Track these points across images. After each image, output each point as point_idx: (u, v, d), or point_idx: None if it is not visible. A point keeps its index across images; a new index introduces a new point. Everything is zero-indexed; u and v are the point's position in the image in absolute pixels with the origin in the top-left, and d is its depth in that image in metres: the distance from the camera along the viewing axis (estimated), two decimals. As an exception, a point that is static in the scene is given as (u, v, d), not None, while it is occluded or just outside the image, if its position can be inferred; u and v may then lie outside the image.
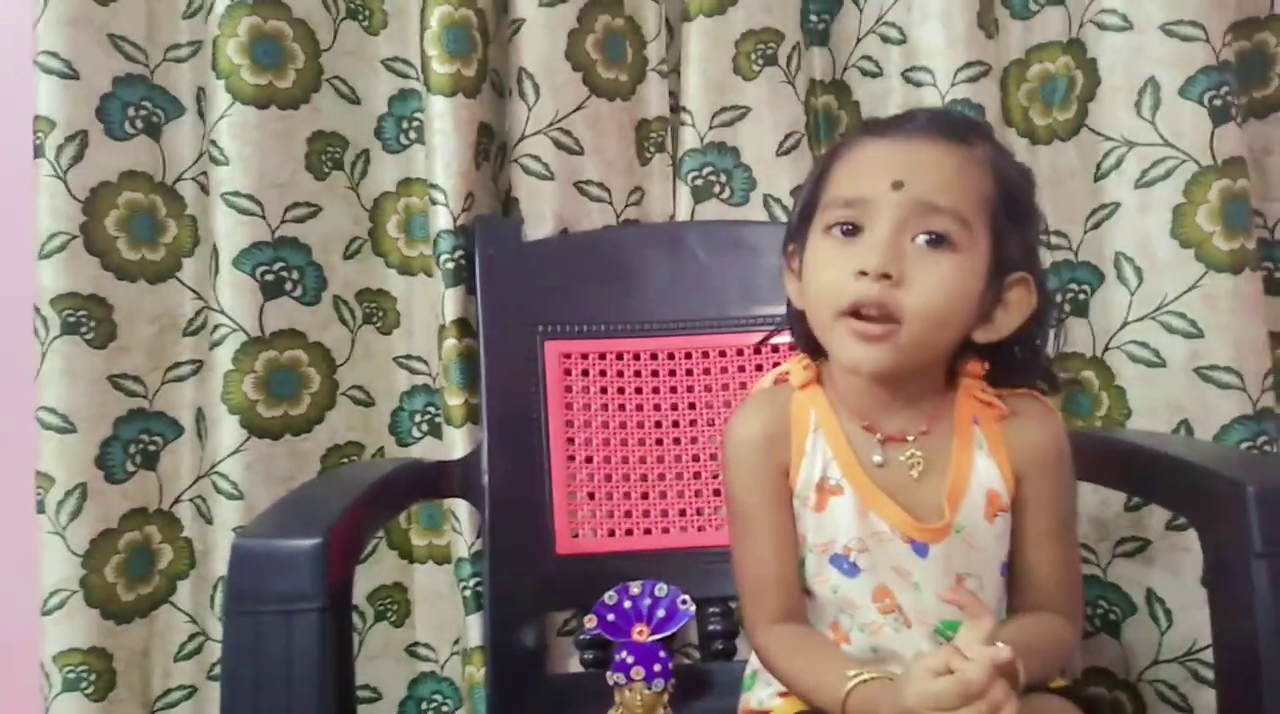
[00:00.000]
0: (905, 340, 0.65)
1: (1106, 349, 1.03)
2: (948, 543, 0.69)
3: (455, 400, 1.02)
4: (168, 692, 1.07)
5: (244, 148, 1.02)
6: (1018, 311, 0.69)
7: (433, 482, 0.98)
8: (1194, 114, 0.97)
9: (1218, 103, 0.96)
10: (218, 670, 1.03)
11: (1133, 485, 0.86)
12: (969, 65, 1.03)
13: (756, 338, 1.00)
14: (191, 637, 1.07)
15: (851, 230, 0.67)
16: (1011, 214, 0.69)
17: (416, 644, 1.15)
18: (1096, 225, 1.04)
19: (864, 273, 0.65)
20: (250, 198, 1.03)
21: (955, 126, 0.70)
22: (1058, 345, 0.74)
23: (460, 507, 1.02)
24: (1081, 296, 1.05)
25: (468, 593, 1.02)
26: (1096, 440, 0.85)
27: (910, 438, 0.71)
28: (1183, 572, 0.99)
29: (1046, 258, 0.78)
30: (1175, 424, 0.99)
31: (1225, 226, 0.96)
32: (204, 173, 1.06)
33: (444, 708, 1.15)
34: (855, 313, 0.65)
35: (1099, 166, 1.03)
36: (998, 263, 0.68)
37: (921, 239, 0.65)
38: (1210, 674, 0.98)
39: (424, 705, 1.15)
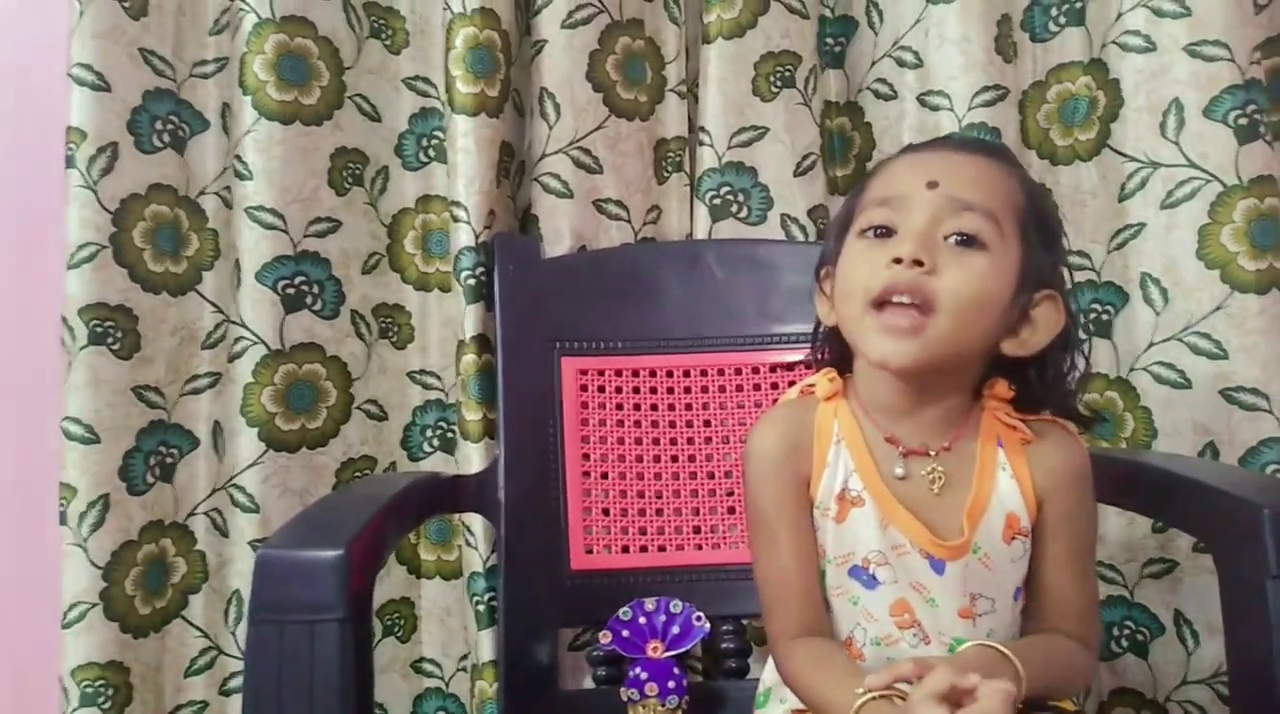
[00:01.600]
0: (935, 334, 0.66)
1: (1131, 370, 1.04)
2: (964, 562, 0.69)
3: (473, 415, 1.04)
4: (178, 708, 1.08)
5: (269, 162, 1.05)
6: (1045, 329, 0.70)
7: (450, 496, 1.00)
8: (1220, 134, 0.98)
9: (1244, 121, 0.97)
10: (230, 685, 1.05)
11: (1151, 509, 0.87)
12: (986, 89, 1.05)
13: (773, 356, 1.02)
14: (203, 651, 1.09)
15: (885, 232, 0.69)
16: (1041, 229, 0.71)
17: (422, 660, 1.16)
18: (1121, 246, 1.04)
19: (897, 261, 0.66)
20: (273, 212, 1.06)
21: (988, 146, 0.76)
22: (1083, 371, 0.75)
23: (475, 521, 1.04)
24: (1105, 317, 1.06)
25: (481, 608, 1.03)
26: (1116, 463, 0.85)
27: (932, 452, 0.72)
28: (1209, 594, 0.98)
29: (1068, 279, 0.79)
30: (1201, 446, 0.99)
31: (1251, 246, 0.97)
32: (226, 187, 1.09)
33: (449, 724, 1.16)
34: (885, 302, 0.67)
35: (1123, 187, 1.04)
36: (1026, 271, 0.69)
37: (953, 239, 0.67)
38: (1236, 701, 0.98)
39: (429, 722, 1.16)
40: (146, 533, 1.06)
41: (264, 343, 1.06)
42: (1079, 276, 1.07)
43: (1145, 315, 1.03)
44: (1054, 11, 1.09)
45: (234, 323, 1.06)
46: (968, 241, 0.67)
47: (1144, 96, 1.02)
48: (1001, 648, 0.62)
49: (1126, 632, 1.05)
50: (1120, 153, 1.04)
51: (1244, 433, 0.98)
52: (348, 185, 1.12)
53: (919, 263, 0.66)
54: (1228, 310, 0.98)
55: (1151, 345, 1.02)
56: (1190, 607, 1.01)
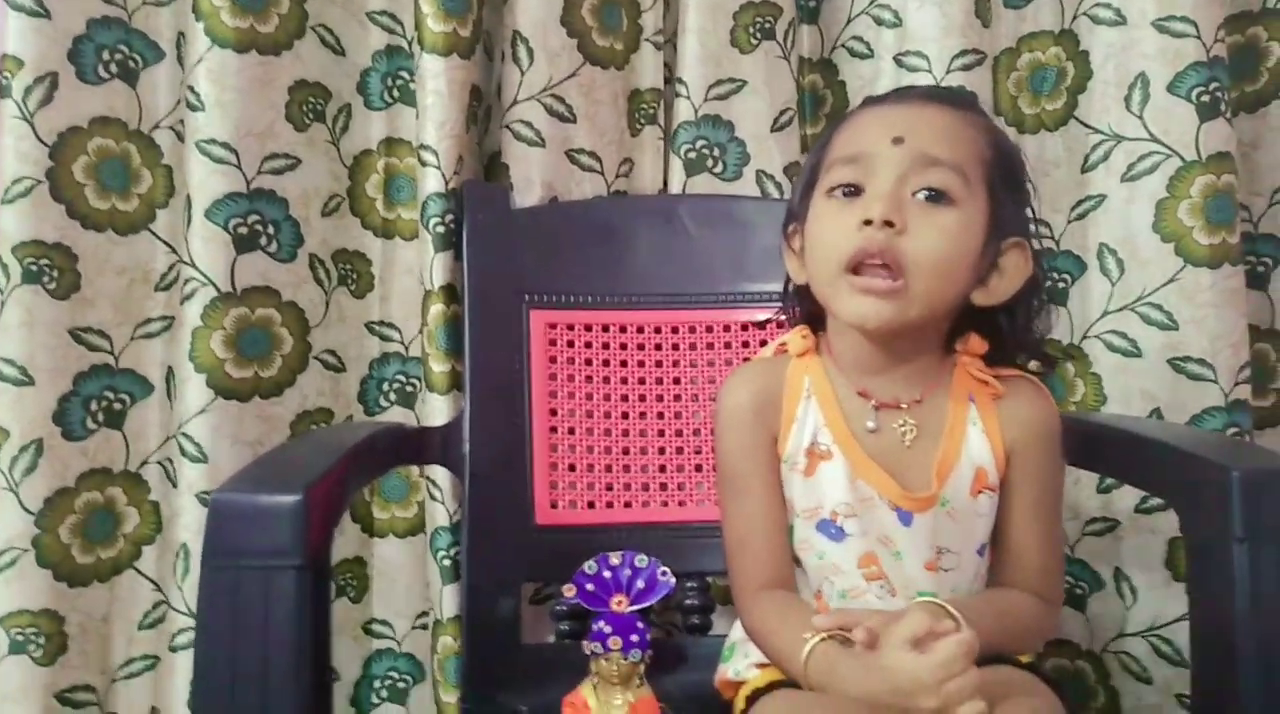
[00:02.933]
0: (909, 295, 0.68)
1: (1085, 338, 1.08)
2: (932, 514, 0.72)
3: (439, 367, 1.03)
4: (130, 660, 1.06)
5: (222, 93, 1.01)
6: (1014, 276, 0.72)
7: (414, 447, 0.99)
8: (1182, 110, 1.02)
9: (1206, 98, 1.01)
10: (179, 641, 1.03)
11: (1115, 468, 0.91)
12: (964, 53, 1.07)
13: (744, 314, 1.04)
14: (156, 605, 1.07)
15: (853, 191, 0.70)
16: (1007, 179, 0.73)
17: (373, 621, 1.16)
18: (1081, 216, 1.08)
19: (868, 222, 0.67)
20: (225, 146, 1.02)
21: (953, 96, 0.75)
22: (1050, 321, 0.78)
23: (441, 476, 1.04)
24: (1062, 285, 1.10)
25: (446, 563, 1.03)
26: (1082, 424, 0.89)
27: (904, 405, 0.74)
28: (1149, 553, 1.05)
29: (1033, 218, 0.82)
30: (1148, 412, 1.05)
31: (1207, 221, 1.01)
32: (181, 121, 1.05)
33: (400, 685, 1.16)
34: (858, 267, 0.68)
35: (1086, 158, 1.07)
36: (994, 223, 0.71)
37: (922, 195, 0.69)
38: (1169, 649, 1.05)
39: (378, 684, 1.16)
40: (87, 481, 1.03)
41: (214, 285, 1.02)
42: (1039, 245, 1.10)
43: (1101, 285, 1.07)
44: (1029, -21, 1.11)
45: (185, 263, 1.03)
46: (936, 197, 0.69)
47: (1112, 69, 1.06)
48: (947, 605, 0.64)
49: (1066, 586, 1.10)
50: (1085, 124, 1.08)
51: (1189, 401, 1.03)
52: (308, 121, 1.08)
53: (889, 224, 0.67)
54: (1180, 283, 1.03)
55: (1105, 314, 1.07)
56: (1130, 564, 1.07)
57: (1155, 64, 1.03)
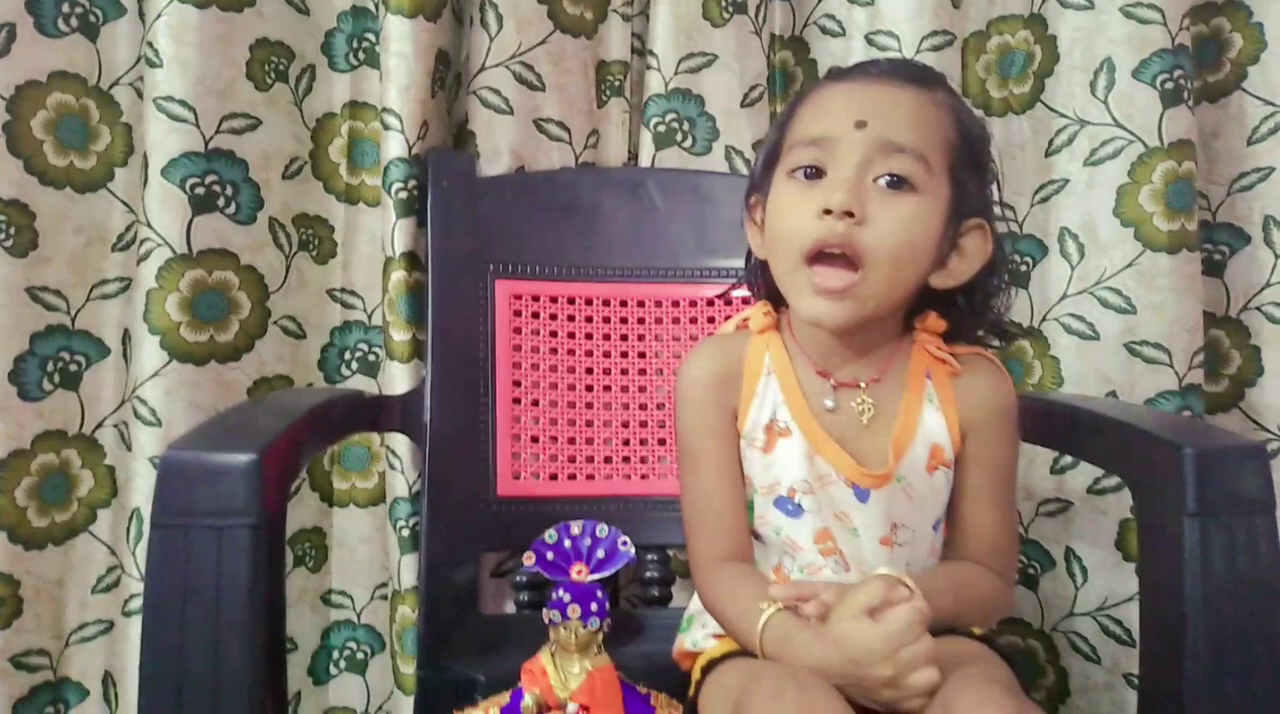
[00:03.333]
0: (867, 291, 0.68)
1: (1044, 320, 1.10)
2: (888, 491, 0.73)
3: (401, 335, 1.02)
4: (83, 625, 1.05)
5: (181, 49, 0.99)
6: (974, 258, 0.73)
7: (373, 414, 0.98)
8: (1146, 96, 1.03)
9: (1170, 85, 1.02)
10: (133, 606, 1.02)
11: (1071, 446, 0.92)
12: (935, 34, 1.07)
13: (710, 289, 1.04)
14: (110, 569, 1.06)
15: (814, 173, 0.70)
16: (971, 161, 0.73)
17: (331, 592, 1.15)
18: (1044, 200, 1.09)
19: (828, 212, 0.67)
20: (183, 104, 0.99)
21: (917, 72, 0.74)
22: (1010, 299, 0.78)
23: (401, 445, 1.03)
24: (1024, 268, 1.11)
25: (405, 533, 1.03)
26: (1039, 402, 0.90)
27: (862, 385, 0.74)
28: (1100, 534, 1.07)
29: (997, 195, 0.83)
30: (1104, 395, 1.06)
31: (1167, 207, 1.03)
32: (141, 78, 1.02)
33: (359, 656, 1.16)
34: (817, 257, 0.68)
35: (1051, 142, 1.08)
36: (956, 207, 0.71)
37: (883, 181, 0.68)
38: (1118, 629, 1.07)
39: (336, 654, 1.15)
40: (43, 442, 1.01)
41: (169, 246, 1.00)
42: (1002, 227, 1.11)
43: (1061, 269, 1.09)
44: (999, -38, 1.12)
45: (142, 224, 1.01)
46: (898, 183, 0.68)
47: (1079, 54, 1.06)
48: (902, 577, 0.64)
49: (1019, 565, 1.12)
50: (1051, 108, 1.08)
51: (1144, 385, 1.05)
52: (269, 80, 1.06)
53: (849, 214, 0.67)
54: (1139, 268, 1.04)
55: (1065, 297, 1.08)
56: (1081, 544, 1.09)
57: (1121, 49, 1.04)
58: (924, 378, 0.75)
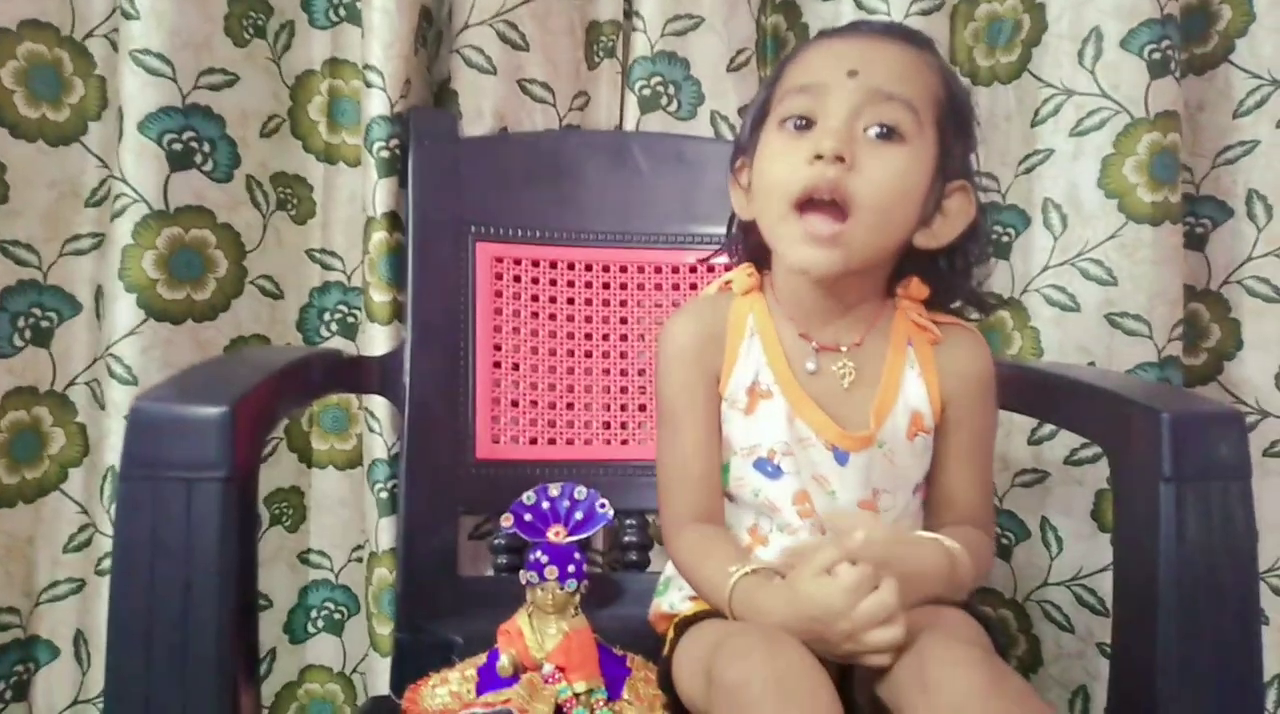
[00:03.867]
0: (854, 238, 0.68)
1: (1024, 291, 1.10)
2: (868, 455, 0.73)
3: (381, 296, 1.01)
4: (54, 583, 1.04)
5: (157, 2, 0.97)
6: (957, 219, 0.73)
7: (351, 375, 0.97)
8: (1133, 66, 1.02)
9: (1157, 56, 1.02)
10: (105, 565, 1.01)
11: (1049, 413, 0.92)
12: (923, -1, 1.06)
13: (693, 256, 1.03)
14: (82, 528, 1.05)
15: (804, 124, 0.70)
16: (956, 121, 0.73)
17: (310, 551, 1.15)
18: (1028, 170, 1.09)
19: (819, 157, 0.67)
20: (160, 57, 0.98)
21: (907, 33, 0.75)
22: (990, 268, 0.79)
23: (380, 407, 1.02)
24: (1006, 239, 1.11)
25: (384, 495, 1.02)
26: (1017, 369, 0.90)
27: (844, 348, 0.75)
28: (1076, 504, 1.08)
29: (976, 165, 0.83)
30: (1084, 365, 1.06)
31: (1150, 179, 1.03)
32: (116, 30, 1.00)
33: (336, 616, 1.15)
34: (807, 205, 0.68)
35: (1037, 112, 1.08)
36: (941, 165, 0.71)
37: (873, 132, 0.69)
38: (1092, 599, 1.08)
39: (314, 614, 1.15)
40: (15, 399, 1.00)
41: (145, 202, 0.99)
42: (985, 197, 1.11)
43: (1044, 239, 1.08)
44: (989, -71, 1.11)
45: (116, 178, 0.99)
46: (887, 134, 0.69)
47: (1066, 23, 1.06)
48: (947, 542, 0.66)
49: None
50: (1038, 78, 1.08)
51: (1122, 356, 1.05)
52: (248, 36, 1.04)
53: (840, 159, 0.67)
54: (1121, 239, 1.04)
55: (1046, 268, 1.08)
56: (1056, 515, 1.10)
57: (1109, 19, 1.03)
58: (905, 344, 0.75)
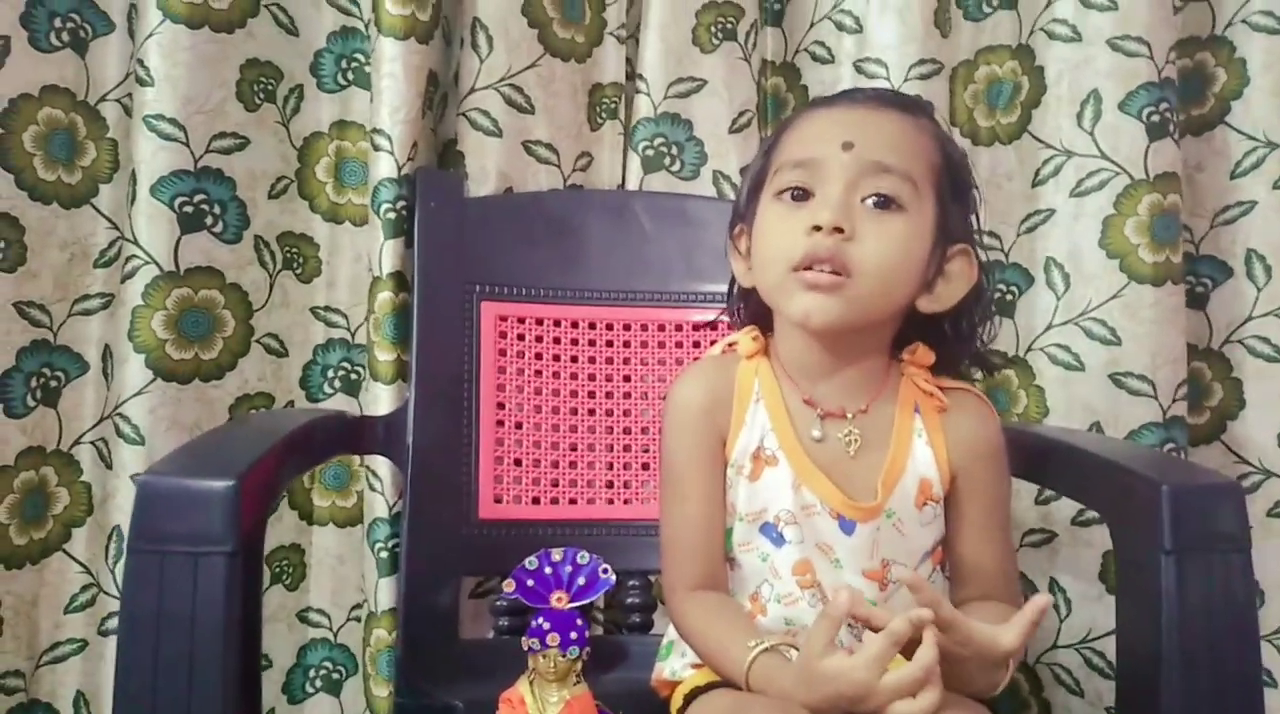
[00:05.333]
0: (855, 293, 0.69)
1: (1029, 350, 1.11)
2: (876, 524, 0.73)
3: (386, 356, 1.02)
4: (55, 645, 1.05)
5: (172, 69, 1.00)
6: (959, 283, 0.74)
7: (355, 436, 0.98)
8: (1132, 128, 1.05)
9: (1156, 118, 1.04)
10: (110, 625, 1.03)
11: (1050, 480, 0.93)
12: (922, 62, 1.09)
13: (696, 314, 1.05)
14: (84, 588, 1.06)
15: (802, 195, 0.71)
16: (955, 187, 0.74)
17: (309, 609, 1.15)
18: (1030, 229, 1.11)
19: (817, 228, 0.68)
20: (174, 122, 1.01)
21: (903, 100, 0.76)
22: (994, 328, 0.79)
23: (382, 466, 1.03)
24: (1009, 297, 1.12)
25: (384, 554, 1.03)
26: (1017, 434, 0.91)
27: (850, 415, 0.75)
28: (1084, 565, 1.08)
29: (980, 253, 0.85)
30: (1088, 425, 1.07)
31: (1152, 239, 1.04)
32: (129, 94, 1.04)
33: (334, 676, 1.16)
34: (808, 267, 0.69)
35: (1037, 173, 1.10)
36: (941, 230, 0.72)
37: (871, 202, 0.70)
38: (1101, 662, 1.08)
39: (312, 673, 1.16)
40: (25, 459, 1.02)
41: (156, 263, 1.01)
42: (989, 256, 1.12)
43: (1047, 299, 1.10)
44: (988, -9, 1.13)
45: (127, 240, 1.02)
46: (885, 203, 0.70)
47: (1065, 86, 1.08)
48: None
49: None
50: (1038, 139, 1.10)
51: (1128, 416, 1.06)
52: (258, 101, 1.08)
53: (839, 230, 0.68)
54: (1124, 299, 1.06)
55: (1050, 327, 1.10)
56: (1065, 575, 1.10)
57: (1108, 82, 1.05)
58: (912, 411, 0.76)
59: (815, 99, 0.80)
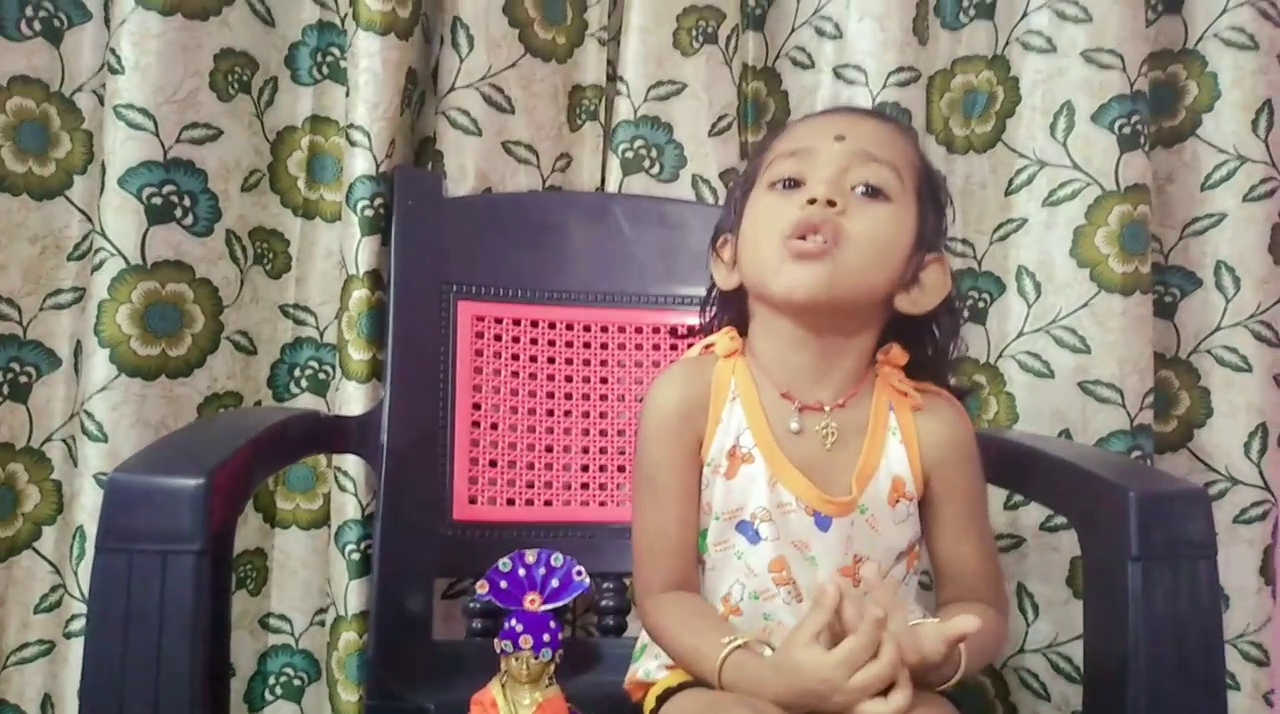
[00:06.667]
0: (844, 261, 0.71)
1: (1000, 357, 1.13)
2: (850, 521, 0.75)
3: (360, 354, 1.03)
4: (23, 645, 1.05)
5: (142, 57, 1.00)
6: (933, 291, 0.77)
7: (328, 436, 0.99)
8: (1104, 140, 1.08)
9: (1127, 130, 1.07)
10: (73, 627, 1.02)
11: (1019, 485, 0.96)
12: (900, 69, 1.11)
13: (674, 317, 1.06)
14: (53, 588, 1.05)
15: (793, 184, 0.74)
16: (933, 193, 0.78)
17: (270, 616, 1.15)
18: (1003, 238, 1.13)
19: (811, 201, 0.72)
20: (143, 112, 1.00)
21: (885, 114, 0.83)
22: (959, 348, 0.81)
23: (354, 467, 1.04)
24: (981, 304, 1.15)
25: (355, 556, 1.03)
26: (987, 439, 0.92)
27: (827, 409, 0.76)
28: (1052, 571, 1.11)
29: (953, 263, 0.88)
30: (1057, 432, 1.10)
31: (1121, 249, 1.07)
32: (104, 85, 1.03)
33: (296, 683, 1.15)
34: (801, 237, 0.71)
35: (1010, 182, 1.13)
36: (921, 233, 0.76)
37: (860, 189, 0.73)
38: (1068, 667, 1.10)
39: (272, 680, 1.15)
40: (-4, 456, 1.02)
41: (123, 256, 1.00)
42: (962, 263, 1.15)
43: (1018, 306, 1.13)
44: (965, 2, 1.16)
45: (97, 233, 1.01)
46: (873, 192, 0.73)
47: (1039, 96, 1.11)
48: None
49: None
50: (1012, 148, 1.13)
51: (1096, 423, 1.09)
52: (232, 91, 1.07)
53: (831, 203, 0.71)
54: (1093, 308, 1.09)
55: (1021, 335, 1.12)
56: (1033, 581, 1.13)
57: (1081, 94, 1.08)
58: (887, 408, 0.78)
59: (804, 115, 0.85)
